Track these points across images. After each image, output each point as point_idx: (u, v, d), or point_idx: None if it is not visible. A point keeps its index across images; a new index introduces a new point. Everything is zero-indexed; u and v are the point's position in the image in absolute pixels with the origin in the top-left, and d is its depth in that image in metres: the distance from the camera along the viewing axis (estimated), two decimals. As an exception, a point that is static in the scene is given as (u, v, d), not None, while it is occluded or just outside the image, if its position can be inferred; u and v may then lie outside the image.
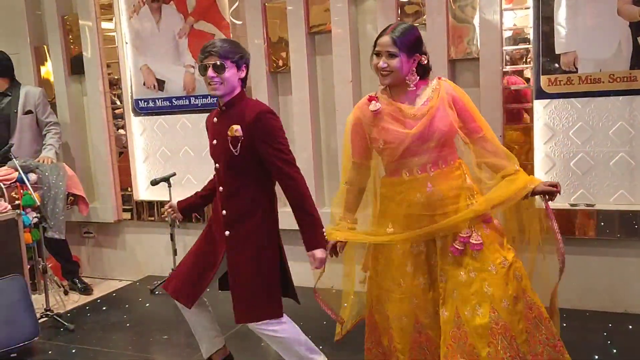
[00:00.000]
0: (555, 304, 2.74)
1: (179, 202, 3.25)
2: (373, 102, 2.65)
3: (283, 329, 3.06)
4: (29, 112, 4.85)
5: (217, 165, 2.92)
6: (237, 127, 2.78)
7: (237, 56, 2.80)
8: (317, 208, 4.33)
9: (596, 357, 3.31)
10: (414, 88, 2.61)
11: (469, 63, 4.04)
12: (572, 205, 3.90)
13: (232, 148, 2.79)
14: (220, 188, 2.92)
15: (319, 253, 2.87)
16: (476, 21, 3.93)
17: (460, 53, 4.02)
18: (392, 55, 2.54)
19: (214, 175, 3.01)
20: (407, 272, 2.67)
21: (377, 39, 2.60)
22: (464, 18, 3.98)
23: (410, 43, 2.55)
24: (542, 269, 2.77)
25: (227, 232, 2.90)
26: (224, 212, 2.90)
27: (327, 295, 2.95)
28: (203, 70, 2.77)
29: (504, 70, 3.89)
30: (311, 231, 2.88)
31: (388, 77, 2.58)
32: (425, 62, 2.61)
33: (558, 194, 2.65)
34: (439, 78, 2.67)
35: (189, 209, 3.30)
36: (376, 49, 2.59)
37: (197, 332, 3.25)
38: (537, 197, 2.68)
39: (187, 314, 3.18)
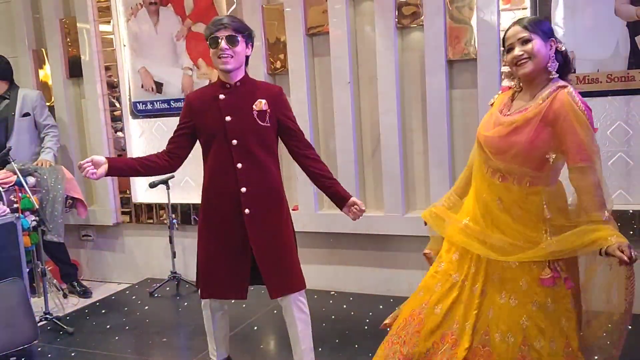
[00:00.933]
0: None
1: (110, 160, 2.93)
2: (497, 95, 2.57)
3: (307, 305, 3.12)
4: (27, 114, 4.85)
5: (235, 142, 2.88)
6: (264, 100, 2.87)
7: (247, 32, 2.89)
8: (314, 210, 4.36)
9: (595, 357, 3.31)
10: (555, 76, 2.34)
11: (467, 64, 4.04)
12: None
13: (259, 121, 2.87)
14: (239, 165, 2.89)
15: (355, 199, 3.04)
16: (474, 22, 3.93)
17: (458, 54, 4.02)
18: (526, 41, 2.31)
19: (156, 155, 3.04)
20: (452, 259, 2.54)
21: (505, 35, 2.40)
22: (461, 19, 3.98)
23: (544, 26, 2.34)
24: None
25: (247, 210, 2.90)
26: (243, 189, 2.89)
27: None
28: (214, 43, 2.80)
29: (502, 70, 3.89)
30: (341, 187, 3.06)
31: (528, 64, 2.32)
32: (564, 49, 2.34)
33: (625, 265, 2.25)
34: (565, 87, 2.31)
35: (119, 171, 3.10)
36: (507, 43, 2.37)
37: (218, 338, 3.23)
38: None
39: (216, 317, 3.18)
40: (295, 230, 4.32)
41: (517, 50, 2.32)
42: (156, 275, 5.13)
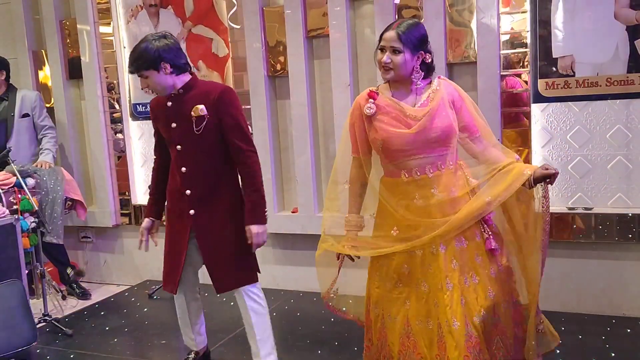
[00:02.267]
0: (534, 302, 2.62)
1: (151, 219, 3.28)
2: (369, 103, 2.61)
3: (263, 297, 3.20)
4: (26, 115, 4.85)
5: (179, 147, 3.02)
6: (201, 106, 2.94)
7: (151, 64, 2.99)
8: (314, 212, 4.36)
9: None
10: (420, 84, 2.58)
11: (467, 67, 4.04)
12: (570, 208, 3.91)
13: (196, 128, 2.94)
14: (183, 169, 3.03)
15: (254, 228, 3.01)
16: (474, 25, 3.94)
17: (457, 57, 4.03)
18: (396, 51, 2.51)
19: (155, 170, 3.27)
20: (403, 272, 2.62)
21: (383, 33, 2.56)
22: (461, 22, 3.99)
23: (416, 40, 2.51)
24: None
25: (191, 211, 3.03)
26: (187, 192, 3.03)
27: (338, 301, 2.91)
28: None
29: (501, 73, 3.90)
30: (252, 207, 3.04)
31: (390, 73, 2.55)
32: (429, 60, 2.57)
33: (557, 175, 2.50)
34: (439, 77, 2.64)
35: (160, 212, 3.34)
36: (381, 43, 2.55)
37: (195, 326, 3.42)
38: (535, 198, 2.56)
39: (192, 307, 3.40)
40: (295, 232, 4.33)
41: (385, 58, 2.53)
42: (155, 277, 5.13)
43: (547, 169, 2.47)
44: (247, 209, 3.03)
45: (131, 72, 3.03)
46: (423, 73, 2.58)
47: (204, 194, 3.03)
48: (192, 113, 2.94)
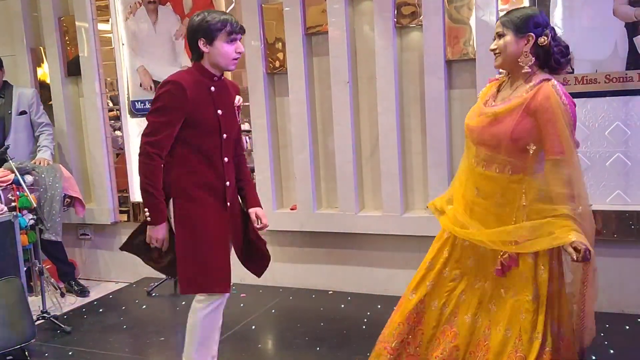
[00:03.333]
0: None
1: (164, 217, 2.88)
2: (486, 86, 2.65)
3: None
4: (23, 112, 4.85)
5: (225, 135, 2.87)
6: (239, 97, 2.96)
7: None
8: (312, 209, 4.34)
9: (593, 357, 3.32)
10: (529, 70, 2.42)
11: (466, 64, 4.04)
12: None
13: (237, 117, 2.96)
14: (225, 159, 2.90)
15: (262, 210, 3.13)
16: (472, 22, 3.93)
17: (456, 54, 4.02)
18: (500, 36, 2.45)
19: (160, 169, 2.81)
20: (442, 255, 2.64)
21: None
22: (460, 19, 3.98)
23: (518, 19, 2.41)
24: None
25: (228, 203, 2.93)
26: (227, 183, 2.91)
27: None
28: (233, 41, 2.80)
29: (500, 70, 3.88)
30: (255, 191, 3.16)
31: (498, 58, 2.47)
32: (545, 43, 2.39)
33: (579, 261, 2.27)
34: (548, 80, 2.39)
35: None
36: (494, 35, 2.52)
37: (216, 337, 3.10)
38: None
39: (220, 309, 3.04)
40: (294, 230, 4.34)
41: (492, 44, 2.49)
42: (154, 274, 5.05)
43: (576, 250, 2.24)
44: (253, 193, 3.12)
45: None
46: (533, 58, 2.41)
47: (232, 185, 2.98)
48: (236, 102, 2.95)
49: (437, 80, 4.04)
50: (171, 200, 2.88)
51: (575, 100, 3.80)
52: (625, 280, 3.84)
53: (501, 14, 3.78)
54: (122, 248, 3.08)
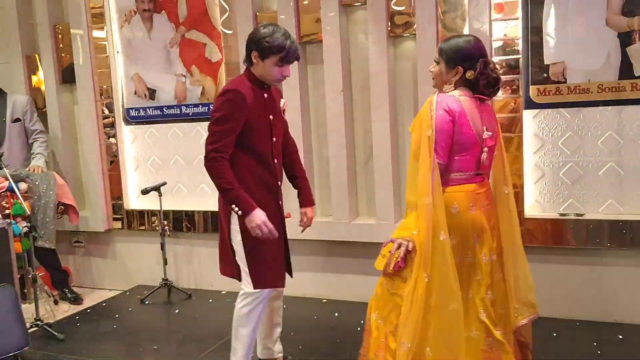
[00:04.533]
0: None
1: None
2: None
3: None
4: (18, 120, 4.84)
5: (274, 139, 3.06)
6: (284, 100, 3.16)
7: None
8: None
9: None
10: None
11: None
12: (561, 214, 3.92)
13: (286, 120, 3.21)
14: (276, 160, 3.10)
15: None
16: (466, 31, 3.94)
17: (450, 63, 4.03)
18: (435, 61, 2.64)
19: (229, 167, 2.93)
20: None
21: None
22: (454, 28, 3.99)
23: (451, 52, 2.57)
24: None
25: (280, 202, 3.16)
26: (279, 183, 3.14)
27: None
28: (287, 63, 2.96)
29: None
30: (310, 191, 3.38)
31: (433, 81, 2.69)
32: (472, 77, 2.56)
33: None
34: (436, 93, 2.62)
35: None
36: None
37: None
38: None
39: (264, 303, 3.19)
40: (290, 237, 4.34)
41: (431, 67, 2.70)
42: (147, 282, 5.11)
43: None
44: (309, 192, 3.36)
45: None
46: (454, 88, 2.61)
47: (281, 185, 3.17)
48: (282, 106, 3.13)
49: (430, 89, 4.03)
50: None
51: (568, 109, 3.89)
52: (618, 290, 3.84)
53: (494, 24, 3.85)
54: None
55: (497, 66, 3.83)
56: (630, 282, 3.82)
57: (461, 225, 2.56)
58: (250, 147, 2.98)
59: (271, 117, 3.04)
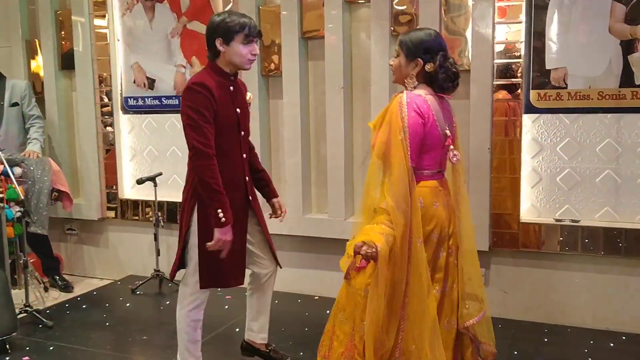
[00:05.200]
0: None
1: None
2: None
3: None
4: (15, 104, 4.82)
5: (242, 133, 3.04)
6: (249, 93, 3.10)
7: None
8: (301, 214, 4.32)
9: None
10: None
11: (461, 75, 4.01)
12: (557, 220, 3.92)
13: (250, 114, 3.15)
14: (244, 155, 3.07)
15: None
16: (469, 33, 3.94)
17: (452, 64, 4.02)
18: (396, 54, 2.60)
19: (216, 166, 2.87)
20: None
21: None
22: (456, 30, 3.99)
23: (411, 44, 2.53)
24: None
25: (250, 197, 3.12)
26: (247, 178, 3.08)
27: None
28: (250, 43, 2.92)
29: (494, 83, 3.90)
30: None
31: (393, 75, 2.65)
32: (431, 70, 2.52)
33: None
34: (401, 92, 2.52)
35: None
36: None
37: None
38: None
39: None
40: (282, 233, 4.34)
41: (390, 60, 2.68)
42: (139, 272, 5.09)
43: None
44: (272, 186, 3.31)
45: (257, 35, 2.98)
46: (416, 82, 2.55)
47: (250, 179, 3.15)
48: (248, 99, 3.09)
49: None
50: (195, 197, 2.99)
51: (567, 115, 3.88)
52: (611, 297, 3.85)
53: (497, 26, 3.84)
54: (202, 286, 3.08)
55: (498, 70, 3.86)
56: (623, 290, 3.82)
57: (426, 220, 2.52)
58: (218, 141, 2.90)
59: (238, 110, 2.99)
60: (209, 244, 2.86)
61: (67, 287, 4.90)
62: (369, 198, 2.55)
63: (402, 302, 2.50)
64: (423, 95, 2.52)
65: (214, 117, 2.86)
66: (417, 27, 2.68)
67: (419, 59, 2.52)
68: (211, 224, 2.86)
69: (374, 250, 2.36)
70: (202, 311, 3.14)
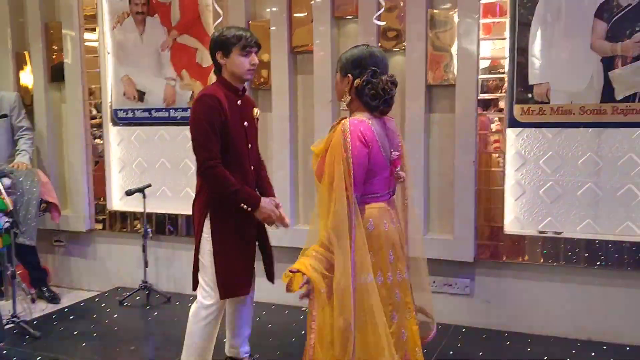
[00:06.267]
0: None
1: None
2: None
3: None
4: (4, 115, 4.83)
5: (250, 145, 3.13)
6: (257, 109, 3.20)
7: None
8: (290, 225, 4.36)
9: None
10: (347, 109, 2.56)
11: (446, 89, 4.12)
12: (540, 232, 3.99)
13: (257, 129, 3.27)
14: (252, 167, 3.18)
15: None
16: (454, 49, 4.02)
17: (437, 79, 4.10)
18: (336, 72, 2.57)
19: (225, 170, 2.98)
20: None
21: None
22: (442, 46, 4.07)
23: (345, 60, 2.50)
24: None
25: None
26: (255, 189, 3.20)
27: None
28: (248, 54, 3.03)
29: (478, 97, 3.98)
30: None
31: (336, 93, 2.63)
32: (358, 85, 2.45)
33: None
34: (345, 118, 2.48)
35: None
36: None
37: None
38: None
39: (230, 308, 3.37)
40: (273, 245, 4.36)
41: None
42: (127, 284, 5.10)
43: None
44: (272, 193, 3.34)
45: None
46: (349, 98, 2.50)
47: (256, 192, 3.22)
48: (255, 114, 3.18)
49: (417, 103, 4.11)
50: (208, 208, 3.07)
51: (550, 129, 3.97)
52: (593, 308, 3.91)
53: (482, 42, 3.93)
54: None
55: (483, 85, 3.93)
56: (604, 301, 3.89)
57: (377, 240, 2.46)
58: (228, 154, 3.01)
59: (245, 123, 3.10)
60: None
61: (54, 299, 4.90)
62: (322, 230, 2.42)
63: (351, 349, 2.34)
64: (366, 120, 2.45)
65: (222, 129, 2.96)
66: (358, 44, 2.64)
67: (349, 75, 2.48)
68: (225, 233, 3.07)
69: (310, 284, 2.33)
70: (219, 323, 3.20)
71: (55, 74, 5.21)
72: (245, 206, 2.99)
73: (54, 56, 5.20)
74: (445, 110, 4.15)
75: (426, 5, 4.04)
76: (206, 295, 3.11)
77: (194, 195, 3.20)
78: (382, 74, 2.48)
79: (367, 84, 2.45)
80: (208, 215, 3.07)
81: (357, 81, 2.46)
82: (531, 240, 3.96)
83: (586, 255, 3.85)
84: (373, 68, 2.46)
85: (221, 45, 3.00)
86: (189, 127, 3.04)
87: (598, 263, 3.83)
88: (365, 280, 2.34)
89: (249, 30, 3.08)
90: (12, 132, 4.92)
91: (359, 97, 2.49)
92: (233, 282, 3.12)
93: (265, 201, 3.06)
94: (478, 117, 3.99)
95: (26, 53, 5.30)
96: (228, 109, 2.98)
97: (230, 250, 3.09)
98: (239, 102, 3.08)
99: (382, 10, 3.88)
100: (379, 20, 3.90)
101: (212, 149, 2.94)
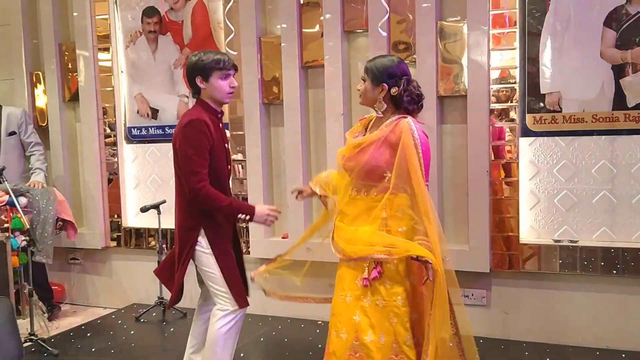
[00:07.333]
0: None
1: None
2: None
3: None
4: (13, 133, 4.87)
5: (229, 166, 3.24)
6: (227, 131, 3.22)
7: None
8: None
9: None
10: (382, 116, 2.76)
11: (458, 100, 4.13)
12: (555, 241, 3.98)
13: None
14: (231, 185, 3.32)
15: None
16: (464, 60, 4.04)
17: (448, 90, 4.12)
18: (363, 79, 2.78)
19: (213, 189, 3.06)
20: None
21: None
22: (452, 58, 4.09)
23: (376, 70, 2.71)
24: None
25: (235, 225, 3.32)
26: None
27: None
28: (227, 77, 3.07)
29: (490, 108, 3.99)
30: None
31: (360, 99, 2.82)
32: (396, 93, 2.69)
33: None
34: (404, 117, 2.68)
35: None
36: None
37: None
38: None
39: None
40: (296, 258, 4.37)
41: (358, 85, 2.83)
42: (143, 300, 5.12)
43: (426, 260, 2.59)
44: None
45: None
46: (385, 105, 2.73)
47: None
48: (229, 136, 3.25)
49: (429, 114, 4.12)
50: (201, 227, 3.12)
51: (563, 138, 3.97)
52: (611, 316, 3.89)
53: (492, 53, 3.95)
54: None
55: (495, 95, 3.95)
56: (622, 310, 3.87)
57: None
58: (212, 174, 3.06)
59: (226, 145, 3.20)
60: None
61: (50, 317, 4.87)
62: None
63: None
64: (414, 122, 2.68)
65: (209, 152, 3.03)
66: (381, 55, 2.86)
67: (384, 84, 2.70)
68: (222, 247, 3.16)
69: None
70: (237, 331, 3.22)
71: (70, 93, 5.26)
72: (243, 215, 3.09)
73: (69, 77, 5.26)
74: (457, 121, 4.16)
75: (436, 17, 4.07)
76: (227, 302, 3.14)
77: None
78: (412, 81, 2.74)
79: (404, 92, 2.68)
80: (202, 231, 3.12)
81: (394, 89, 2.68)
82: (547, 250, 3.95)
83: (602, 263, 3.83)
84: (406, 77, 2.71)
85: (200, 70, 3.04)
86: (172, 145, 3.09)
87: (614, 271, 3.82)
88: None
89: (225, 54, 3.17)
90: (22, 148, 4.95)
91: (394, 104, 2.72)
92: (243, 291, 3.23)
93: (257, 205, 3.19)
94: (490, 127, 4.00)
95: (40, 73, 5.37)
96: (214, 131, 3.06)
97: (232, 263, 3.21)
98: (220, 124, 3.16)
99: (387, 15, 3.94)
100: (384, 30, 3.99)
101: (200, 172, 3.00)
